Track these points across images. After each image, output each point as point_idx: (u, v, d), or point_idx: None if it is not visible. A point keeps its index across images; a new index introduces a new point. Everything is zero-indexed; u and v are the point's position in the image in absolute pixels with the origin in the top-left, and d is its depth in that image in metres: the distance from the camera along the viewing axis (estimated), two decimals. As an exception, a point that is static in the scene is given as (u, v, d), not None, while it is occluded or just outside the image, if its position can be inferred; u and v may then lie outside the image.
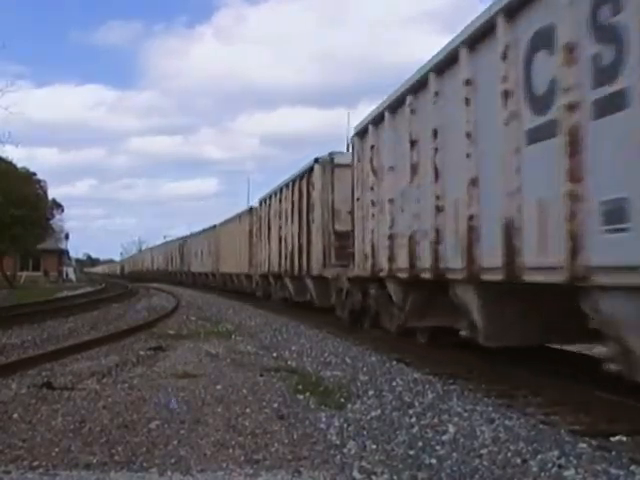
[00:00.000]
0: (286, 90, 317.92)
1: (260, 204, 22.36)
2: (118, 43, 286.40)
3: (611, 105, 4.62)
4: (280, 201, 18.73)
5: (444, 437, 4.92)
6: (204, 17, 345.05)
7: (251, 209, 24.92)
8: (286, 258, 17.53)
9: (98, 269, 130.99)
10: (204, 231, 36.67)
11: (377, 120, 10.11)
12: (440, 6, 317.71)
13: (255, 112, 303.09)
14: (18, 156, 54.53)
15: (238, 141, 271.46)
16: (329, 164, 14.79)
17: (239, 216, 27.15)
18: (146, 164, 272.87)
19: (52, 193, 54.82)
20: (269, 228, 20.38)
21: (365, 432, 5.13)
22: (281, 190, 18.76)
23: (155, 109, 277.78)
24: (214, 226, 33.17)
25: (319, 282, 14.85)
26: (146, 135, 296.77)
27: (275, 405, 6.07)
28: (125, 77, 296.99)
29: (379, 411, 5.77)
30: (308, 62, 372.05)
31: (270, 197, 20.53)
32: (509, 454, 4.46)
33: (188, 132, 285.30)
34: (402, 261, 8.88)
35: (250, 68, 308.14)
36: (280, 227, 18.51)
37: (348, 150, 13.46)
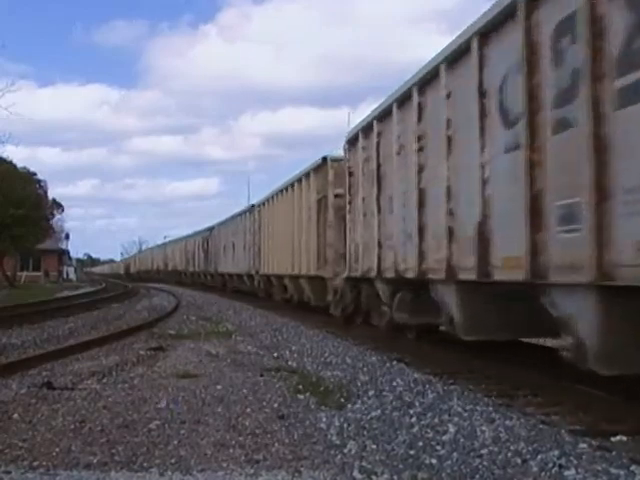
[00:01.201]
0: (289, 90, 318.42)
1: (350, 144, 11.55)
2: (122, 42, 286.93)
3: None
4: (419, 112, 8.15)
5: (444, 437, 4.92)
6: (208, 16, 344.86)
7: (325, 160, 14.02)
8: (450, 238, 7.27)
9: (99, 269, 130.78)
10: (237, 216, 26.78)
11: None
12: (445, 6, 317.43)
13: (258, 112, 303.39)
14: (20, 156, 54.73)
15: (240, 141, 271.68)
16: None
17: (296, 181, 16.44)
18: (148, 164, 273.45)
19: (55, 193, 55.27)
20: (378, 183, 9.78)
21: (365, 432, 5.13)
22: (430, 80, 7.89)
23: (158, 109, 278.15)
24: (252, 206, 23.68)
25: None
26: (149, 135, 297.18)
27: (275, 405, 6.07)
28: (129, 77, 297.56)
29: (379, 411, 5.77)
30: (311, 61, 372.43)
31: (386, 116, 9.45)
32: (509, 454, 4.46)
33: (191, 132, 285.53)
34: None
35: (253, 67, 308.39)
36: (420, 170, 8.09)
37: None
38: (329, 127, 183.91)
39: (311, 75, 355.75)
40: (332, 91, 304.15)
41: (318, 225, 14.55)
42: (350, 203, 11.69)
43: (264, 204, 21.17)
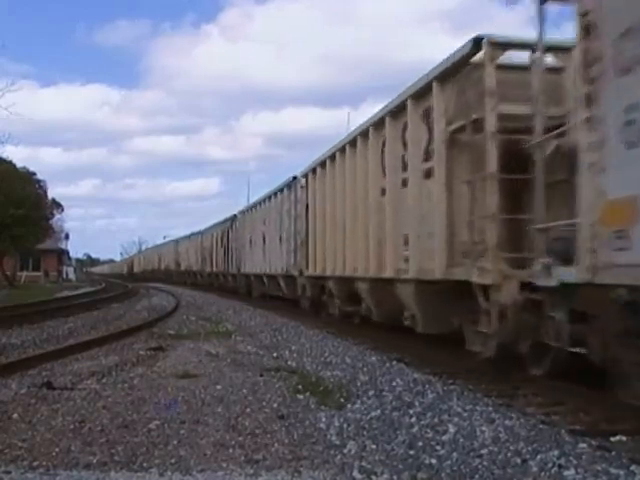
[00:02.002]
0: (290, 90, 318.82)
1: None
2: (124, 42, 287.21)
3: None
4: None
5: (444, 437, 4.92)
6: (211, 16, 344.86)
7: (477, 46, 7.09)
8: None
9: (99, 269, 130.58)
10: (269, 197, 19.96)
11: None
12: (449, 5, 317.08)
13: (259, 112, 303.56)
14: (21, 156, 54.91)
15: (242, 141, 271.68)
16: None
17: (389, 114, 9.62)
18: (149, 164, 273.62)
19: (55, 193, 55.10)
20: None
21: (365, 432, 5.13)
22: None
23: (159, 109, 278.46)
24: (292, 179, 16.81)
25: None
26: (150, 135, 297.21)
27: (275, 405, 6.07)
28: (130, 77, 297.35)
29: (379, 411, 5.77)
30: (313, 61, 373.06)
31: None
32: (509, 454, 4.46)
33: (192, 132, 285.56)
34: None
35: (255, 67, 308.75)
36: None
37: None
38: (330, 127, 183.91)
39: (312, 75, 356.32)
40: (333, 91, 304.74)
41: (449, 184, 7.72)
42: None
43: (314, 172, 14.08)
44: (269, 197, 20.00)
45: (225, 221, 28.52)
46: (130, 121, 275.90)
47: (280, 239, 18.25)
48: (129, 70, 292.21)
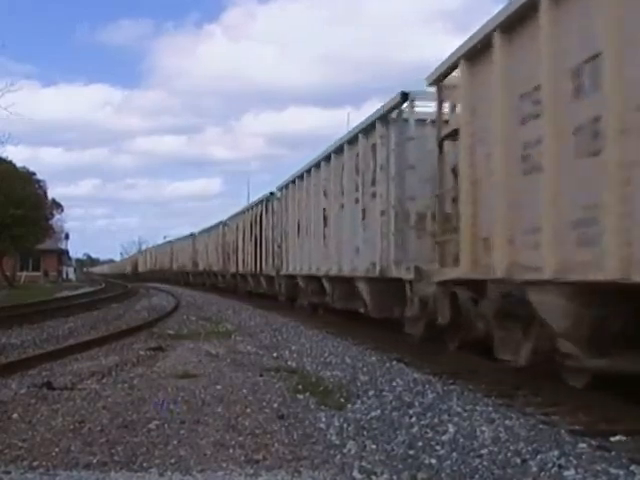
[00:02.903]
0: (292, 89, 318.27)
1: None
2: (126, 42, 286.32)
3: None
4: None
5: (444, 437, 4.92)
6: (213, 15, 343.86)
7: None
8: None
9: (99, 269, 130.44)
10: (342, 147, 11.86)
11: None
12: (451, 6, 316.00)
13: (261, 111, 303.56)
14: (22, 156, 54.95)
15: (243, 141, 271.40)
16: None
17: None
18: (150, 164, 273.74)
19: (56, 193, 55.10)
20: None
21: (365, 432, 5.13)
22: None
23: (161, 109, 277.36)
24: (403, 98, 9.04)
25: None
26: (151, 135, 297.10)
27: (275, 405, 6.07)
28: (132, 76, 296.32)
29: (379, 411, 5.77)
30: (315, 61, 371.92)
31: None
32: (509, 454, 4.46)
33: (194, 132, 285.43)
34: None
35: (257, 67, 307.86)
36: None
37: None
38: (332, 127, 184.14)
39: (314, 75, 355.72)
40: (335, 91, 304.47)
41: None
42: None
43: (483, 49, 6.42)
44: (336, 150, 12.35)
45: (256, 204, 21.17)
46: (132, 121, 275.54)
47: (363, 215, 10.99)
48: (131, 70, 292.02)
